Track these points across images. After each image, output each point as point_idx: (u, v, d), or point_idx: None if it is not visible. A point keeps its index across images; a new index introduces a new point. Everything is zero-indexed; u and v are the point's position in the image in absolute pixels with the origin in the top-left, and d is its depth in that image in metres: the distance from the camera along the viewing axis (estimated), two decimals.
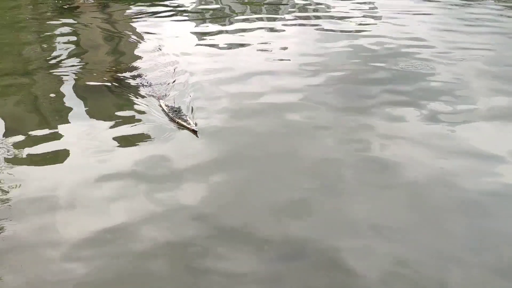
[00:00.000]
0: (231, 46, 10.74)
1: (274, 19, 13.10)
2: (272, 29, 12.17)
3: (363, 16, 13.13)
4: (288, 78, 8.61)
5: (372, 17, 13.11)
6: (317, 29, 11.94)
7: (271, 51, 10.31)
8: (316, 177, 5.59)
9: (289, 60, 9.65)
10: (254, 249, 4.45)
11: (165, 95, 7.72)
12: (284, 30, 12.04)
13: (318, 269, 4.26)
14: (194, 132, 6.40)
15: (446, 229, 4.74)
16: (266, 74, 8.78)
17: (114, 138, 6.49)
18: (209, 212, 4.96)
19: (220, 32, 12.14)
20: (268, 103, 7.53)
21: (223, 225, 4.78)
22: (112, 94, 8.03)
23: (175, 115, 6.79)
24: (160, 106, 7.27)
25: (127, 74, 8.83)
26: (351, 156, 6.03)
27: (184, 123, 6.59)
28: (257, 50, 10.40)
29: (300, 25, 12.75)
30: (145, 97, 7.72)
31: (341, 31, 11.77)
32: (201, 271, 4.22)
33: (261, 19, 13.17)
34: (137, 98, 7.73)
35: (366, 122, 6.91)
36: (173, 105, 7.11)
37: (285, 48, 10.44)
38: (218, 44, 10.90)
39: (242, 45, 10.82)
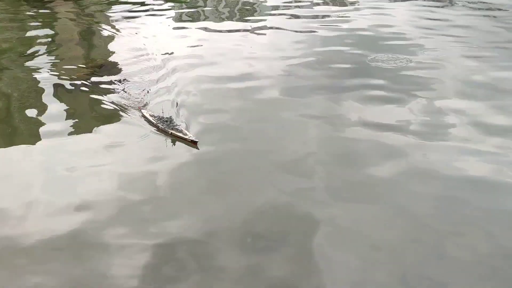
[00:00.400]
0: (210, 41, 10.82)
1: (249, 20, 13.16)
2: (252, 25, 12.25)
3: (344, 11, 13.30)
4: (265, 69, 8.75)
5: (353, 10, 13.29)
6: (296, 24, 12.06)
7: (250, 43, 10.43)
8: (289, 155, 6.34)
9: (268, 54, 9.77)
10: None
11: (147, 103, 7.05)
12: (265, 23, 12.14)
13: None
14: (194, 143, 5.86)
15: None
16: (245, 62, 8.98)
17: (91, 140, 6.73)
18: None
19: (198, 27, 12.17)
20: (249, 92, 7.73)
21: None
22: (87, 93, 7.88)
23: (166, 125, 6.06)
24: (143, 116, 6.59)
25: (103, 73, 8.65)
26: (326, 137, 6.36)
27: (180, 134, 5.97)
28: (237, 43, 10.49)
29: (281, 15, 12.87)
30: (125, 103, 7.44)
31: (318, 21, 11.97)
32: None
33: (244, 19, 13.24)
34: (114, 102, 7.51)
35: (342, 102, 7.71)
36: (161, 115, 6.35)
37: (264, 42, 10.58)
38: (196, 39, 10.99)
39: (222, 39, 10.90)
